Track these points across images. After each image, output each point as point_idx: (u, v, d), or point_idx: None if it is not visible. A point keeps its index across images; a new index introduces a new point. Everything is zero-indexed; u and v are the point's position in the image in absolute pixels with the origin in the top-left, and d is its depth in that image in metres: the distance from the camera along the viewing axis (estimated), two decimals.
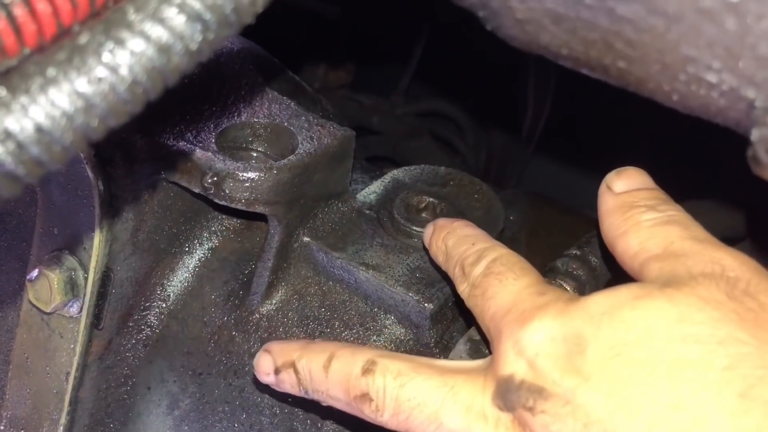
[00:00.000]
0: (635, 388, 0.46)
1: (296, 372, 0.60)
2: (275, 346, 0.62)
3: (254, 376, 0.64)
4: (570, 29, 0.35)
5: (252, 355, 0.71)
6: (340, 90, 1.37)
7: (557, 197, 0.99)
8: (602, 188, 0.57)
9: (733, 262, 0.49)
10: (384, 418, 0.55)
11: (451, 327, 0.70)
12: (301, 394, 0.61)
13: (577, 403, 0.48)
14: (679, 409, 0.45)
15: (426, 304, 0.66)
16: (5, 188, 0.31)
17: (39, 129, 0.31)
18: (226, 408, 0.72)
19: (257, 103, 0.72)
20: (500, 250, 0.59)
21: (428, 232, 0.67)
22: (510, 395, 0.50)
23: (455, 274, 0.61)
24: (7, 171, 0.31)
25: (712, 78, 0.34)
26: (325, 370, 0.58)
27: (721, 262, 0.49)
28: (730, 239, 0.82)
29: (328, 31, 1.30)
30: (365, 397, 0.55)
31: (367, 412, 0.56)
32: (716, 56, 0.33)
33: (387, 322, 0.69)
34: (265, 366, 0.62)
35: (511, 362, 0.51)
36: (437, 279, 0.68)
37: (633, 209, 0.54)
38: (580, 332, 0.49)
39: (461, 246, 0.61)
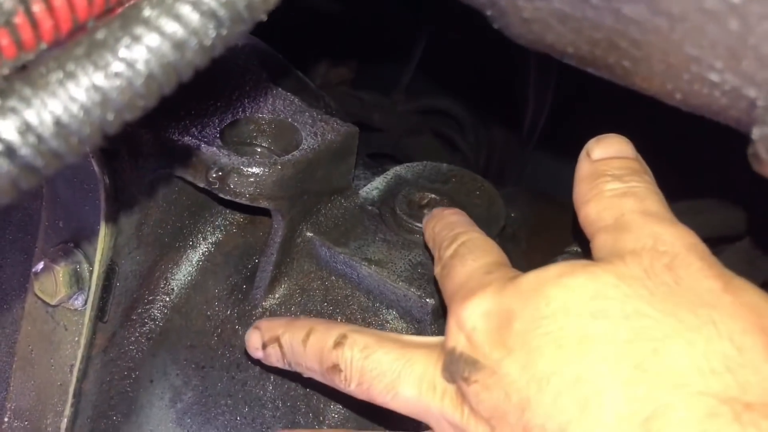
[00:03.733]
0: (546, 361, 0.48)
1: (280, 346, 0.64)
2: (264, 323, 0.66)
3: (252, 360, 0.67)
4: (576, 28, 0.36)
5: None
6: (342, 87, 1.37)
7: (557, 194, 1.00)
8: (582, 154, 0.58)
9: (669, 237, 0.50)
10: (351, 388, 0.59)
11: None
12: (286, 366, 0.65)
13: (501, 373, 0.50)
14: (582, 381, 0.47)
15: (428, 300, 0.67)
16: (24, 180, 0.32)
17: (58, 122, 0.32)
18: (229, 401, 0.72)
19: (261, 99, 0.72)
20: (471, 235, 0.62)
21: (425, 219, 0.70)
22: (452, 367, 0.53)
23: (435, 257, 0.64)
24: (26, 163, 0.32)
25: (714, 77, 0.35)
26: (304, 344, 0.62)
27: (655, 237, 0.50)
28: (729, 237, 0.83)
29: (329, 28, 1.30)
30: (336, 368, 0.59)
31: (338, 382, 0.60)
32: (719, 56, 0.34)
33: (389, 317, 0.70)
34: (254, 342, 0.66)
35: (454, 336, 0.54)
36: None
37: (600, 178, 0.55)
38: (510, 307, 0.51)
39: (443, 231, 0.64)
